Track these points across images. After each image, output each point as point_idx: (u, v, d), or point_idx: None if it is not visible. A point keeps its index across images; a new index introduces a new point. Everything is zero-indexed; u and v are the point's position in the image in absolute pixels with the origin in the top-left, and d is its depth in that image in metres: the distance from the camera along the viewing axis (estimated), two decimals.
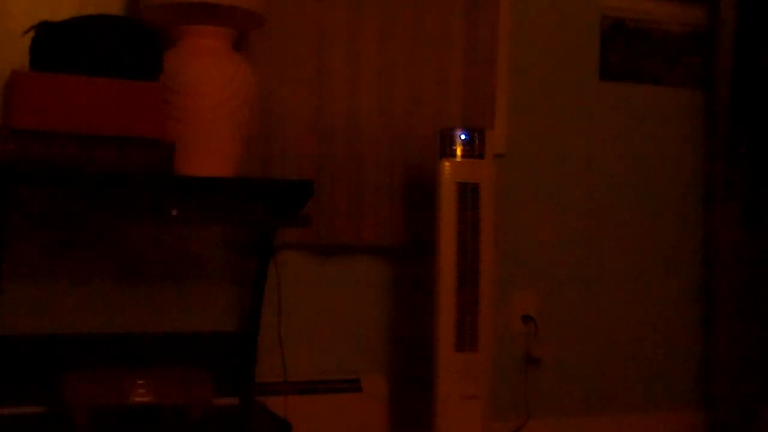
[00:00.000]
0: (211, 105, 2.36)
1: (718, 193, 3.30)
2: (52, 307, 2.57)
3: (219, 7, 2.42)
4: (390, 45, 2.87)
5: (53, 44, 2.24)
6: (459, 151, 2.67)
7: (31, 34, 2.27)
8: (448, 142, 2.67)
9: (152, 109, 2.26)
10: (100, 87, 2.22)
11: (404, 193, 2.89)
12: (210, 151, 2.39)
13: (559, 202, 3.19)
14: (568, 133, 3.20)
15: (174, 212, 2.35)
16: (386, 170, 2.86)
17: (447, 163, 2.67)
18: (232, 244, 2.74)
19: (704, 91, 3.39)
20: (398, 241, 2.88)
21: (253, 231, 2.73)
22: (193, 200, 2.43)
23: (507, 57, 3.10)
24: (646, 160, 3.31)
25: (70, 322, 2.58)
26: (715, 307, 3.32)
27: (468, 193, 2.68)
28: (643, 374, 3.30)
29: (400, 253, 2.96)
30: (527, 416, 3.12)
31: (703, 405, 3.38)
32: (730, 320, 3.29)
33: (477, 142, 2.68)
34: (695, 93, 3.38)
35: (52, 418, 2.40)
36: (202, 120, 2.36)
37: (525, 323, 3.13)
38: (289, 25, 2.76)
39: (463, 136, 2.67)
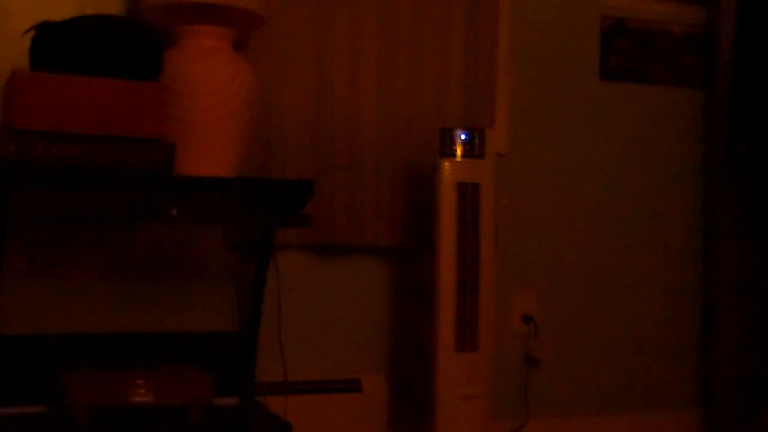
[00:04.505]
0: (211, 105, 2.36)
1: (718, 193, 3.30)
2: (52, 307, 2.57)
3: (219, 7, 2.42)
4: (390, 45, 2.87)
5: (53, 44, 2.24)
6: (459, 151, 2.67)
7: (31, 34, 2.28)
8: (448, 142, 2.67)
9: (152, 109, 2.26)
10: (100, 87, 2.22)
11: (404, 193, 2.89)
12: (210, 151, 2.39)
13: (560, 202, 3.19)
14: (569, 133, 3.20)
15: (174, 212, 2.35)
16: (386, 170, 2.86)
17: (447, 163, 2.67)
18: (232, 244, 2.74)
19: (704, 91, 3.39)
20: (398, 241, 2.88)
21: (253, 231, 2.73)
22: (193, 200, 2.43)
23: (507, 57, 3.10)
24: (646, 160, 3.31)
25: (70, 322, 2.58)
26: (715, 307, 3.32)
27: (468, 193, 2.68)
28: (643, 374, 3.30)
29: (400, 253, 2.96)
30: (527, 416, 3.12)
31: (703, 405, 3.38)
32: (730, 320, 3.29)
33: (477, 142, 2.68)
34: (695, 93, 3.38)
35: (52, 418, 2.40)
36: (202, 120, 2.36)
37: (525, 323, 3.13)
38: (289, 25, 2.76)
39: (463, 136, 2.67)
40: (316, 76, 2.79)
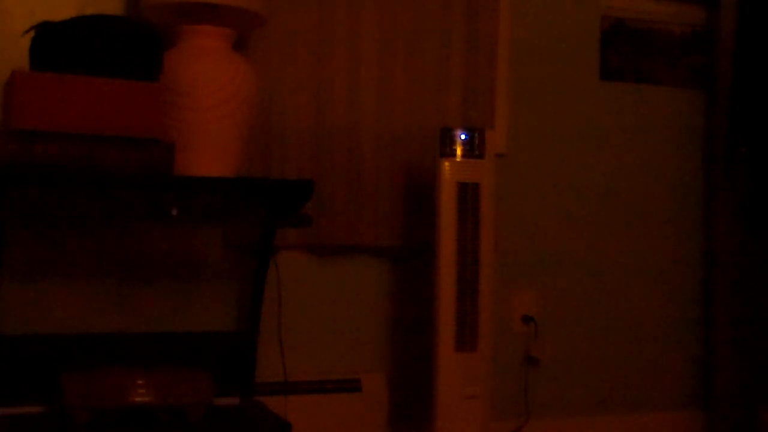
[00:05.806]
0: (211, 105, 2.36)
1: (718, 193, 3.30)
2: (52, 307, 2.57)
3: (219, 7, 2.42)
4: (390, 45, 2.87)
5: (53, 44, 2.24)
6: (459, 151, 2.67)
7: (31, 34, 2.28)
8: (448, 142, 2.67)
9: (152, 109, 2.26)
10: (100, 87, 2.22)
11: (404, 193, 2.89)
12: (210, 151, 2.39)
13: (560, 202, 3.19)
14: (569, 133, 3.20)
15: (174, 212, 2.35)
16: (386, 170, 2.86)
17: (447, 163, 2.67)
18: (232, 244, 2.74)
19: (704, 91, 3.39)
20: (398, 241, 2.88)
21: (253, 231, 2.73)
22: (193, 200, 2.43)
23: (507, 57, 3.10)
24: (646, 160, 3.31)
25: (70, 322, 2.58)
26: (715, 307, 3.32)
27: (468, 193, 2.68)
28: (643, 374, 3.30)
29: (400, 254, 2.96)
30: (527, 416, 3.12)
31: (703, 405, 3.38)
32: (730, 320, 3.29)
33: (477, 141, 2.68)
34: (695, 93, 3.38)
35: (52, 418, 2.40)
36: (202, 120, 2.36)
37: (525, 323, 3.13)
38: (289, 25, 2.76)
39: (463, 136, 2.67)
40: (316, 76, 2.79)
